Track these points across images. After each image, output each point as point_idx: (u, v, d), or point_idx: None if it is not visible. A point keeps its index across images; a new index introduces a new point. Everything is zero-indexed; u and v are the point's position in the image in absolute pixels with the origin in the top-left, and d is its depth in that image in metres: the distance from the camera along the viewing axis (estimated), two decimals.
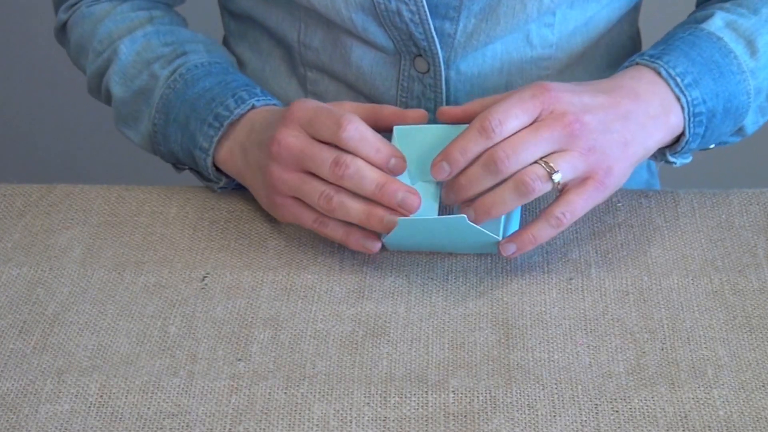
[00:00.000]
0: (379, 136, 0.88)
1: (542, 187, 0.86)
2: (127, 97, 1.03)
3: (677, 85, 0.93)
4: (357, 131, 0.87)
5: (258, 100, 0.96)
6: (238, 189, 1.00)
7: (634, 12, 1.10)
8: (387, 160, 0.88)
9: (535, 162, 0.87)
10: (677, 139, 0.95)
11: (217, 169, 0.99)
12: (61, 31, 1.11)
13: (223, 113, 0.96)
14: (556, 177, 0.86)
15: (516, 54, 1.03)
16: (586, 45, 1.06)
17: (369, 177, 0.87)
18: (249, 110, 0.96)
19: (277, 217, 0.94)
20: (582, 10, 1.03)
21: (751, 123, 1.00)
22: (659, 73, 0.93)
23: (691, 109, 0.93)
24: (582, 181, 0.88)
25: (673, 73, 0.93)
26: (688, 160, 0.99)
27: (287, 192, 0.91)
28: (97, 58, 1.06)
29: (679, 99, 0.93)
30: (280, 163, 0.90)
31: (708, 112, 0.94)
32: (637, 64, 0.95)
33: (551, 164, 0.86)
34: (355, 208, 0.88)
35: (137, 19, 1.05)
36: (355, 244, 0.91)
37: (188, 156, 1.00)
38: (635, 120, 0.91)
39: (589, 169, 0.88)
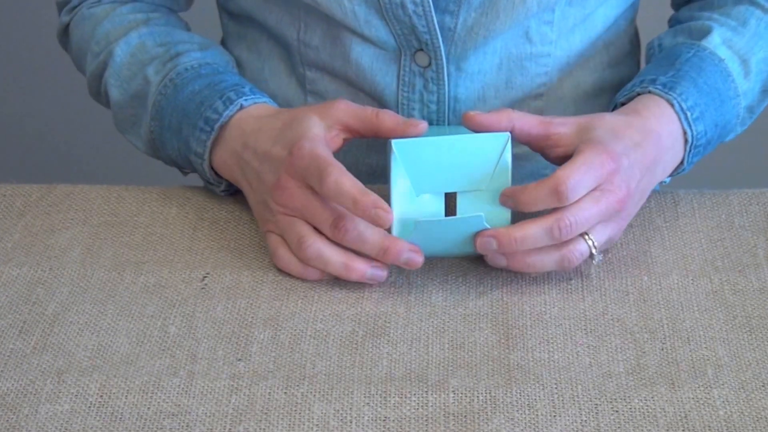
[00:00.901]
0: (359, 186, 0.87)
1: (580, 263, 0.90)
2: (125, 100, 1.04)
3: (687, 119, 0.95)
4: (335, 184, 0.87)
5: (246, 99, 0.96)
6: (240, 192, 1.00)
7: (632, 11, 1.11)
8: (367, 212, 0.86)
9: (582, 236, 0.89)
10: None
11: (216, 174, 0.99)
12: (64, 34, 1.11)
13: (212, 116, 0.96)
14: (597, 259, 0.90)
15: (515, 50, 1.03)
16: (585, 43, 1.06)
17: (370, 241, 0.88)
18: (238, 111, 0.96)
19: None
20: (581, 7, 1.03)
21: (732, 134, 1.02)
22: (672, 106, 0.95)
23: (694, 142, 0.95)
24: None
25: (684, 107, 0.95)
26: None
27: (277, 231, 0.92)
28: (95, 60, 1.06)
29: (685, 133, 0.95)
30: (279, 205, 0.91)
31: (706, 142, 0.96)
32: (650, 92, 0.95)
33: (596, 243, 0.89)
34: (333, 261, 0.89)
35: (134, 21, 1.05)
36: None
37: (186, 161, 1.00)
38: (654, 170, 0.93)
39: (614, 234, 0.91)
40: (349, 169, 0.89)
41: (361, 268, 0.89)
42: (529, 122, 0.92)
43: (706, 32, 1.00)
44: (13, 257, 0.95)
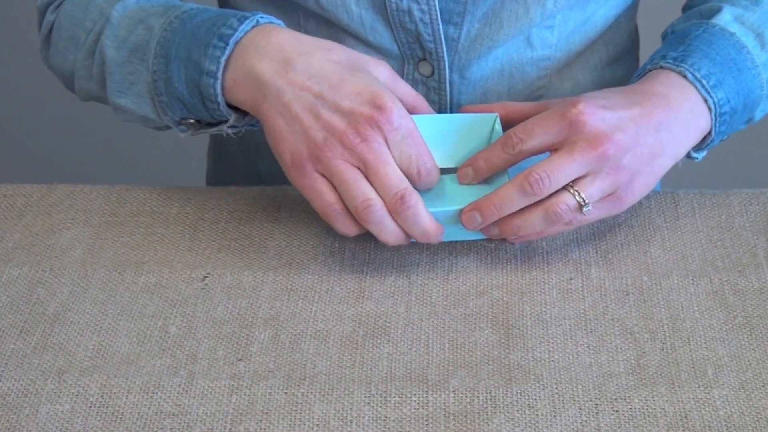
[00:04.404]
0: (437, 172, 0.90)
1: (572, 217, 0.89)
2: (122, 57, 0.98)
3: (704, 87, 0.94)
4: (428, 176, 0.89)
5: (262, 17, 0.92)
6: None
7: (633, 8, 1.11)
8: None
9: (566, 188, 0.88)
10: (702, 138, 0.96)
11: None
12: (48, 35, 1.06)
13: (227, 32, 0.91)
14: (586, 209, 0.89)
15: (516, 55, 1.03)
16: (585, 44, 1.06)
17: (423, 222, 0.88)
18: (254, 27, 0.91)
19: (289, 177, 0.90)
20: (581, 10, 1.03)
21: (759, 111, 1.01)
22: (685, 77, 0.94)
23: (718, 109, 0.94)
24: (602, 197, 0.90)
25: (698, 76, 0.94)
26: (706, 152, 0.99)
27: (325, 173, 0.88)
28: (89, 35, 1.01)
29: (706, 101, 0.94)
30: (345, 148, 0.87)
31: (731, 110, 0.95)
32: (661, 67, 0.95)
33: (583, 194, 0.88)
34: (392, 231, 0.88)
35: None
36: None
37: (194, 91, 0.93)
38: (667, 130, 0.91)
39: (614, 187, 0.89)
40: None
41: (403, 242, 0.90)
42: (524, 105, 0.93)
43: (715, 11, 1.00)
44: (14, 257, 0.95)
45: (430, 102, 1.04)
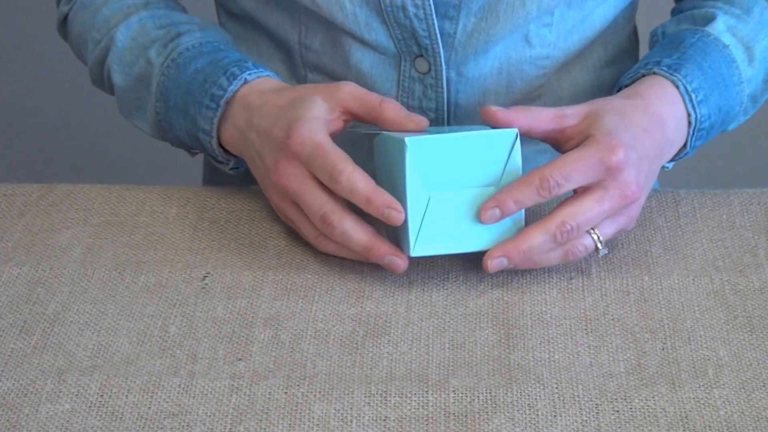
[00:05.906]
0: (372, 184, 0.88)
1: (586, 255, 0.90)
2: (128, 84, 1.03)
3: (691, 101, 0.95)
4: (348, 182, 0.87)
5: (250, 74, 0.96)
6: (243, 183, 1.00)
7: (631, 10, 1.11)
8: (379, 211, 0.87)
9: (586, 231, 0.89)
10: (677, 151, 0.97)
11: (225, 151, 0.99)
12: (63, 24, 1.11)
13: (218, 93, 0.96)
14: (602, 252, 0.90)
15: (515, 53, 1.03)
16: (584, 43, 1.06)
17: (355, 240, 0.89)
18: (242, 85, 0.96)
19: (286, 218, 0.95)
20: (579, 8, 1.03)
21: (734, 125, 1.02)
22: (678, 87, 0.94)
23: (697, 125, 0.95)
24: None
25: (689, 89, 0.94)
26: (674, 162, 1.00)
27: (284, 214, 0.93)
28: (96, 47, 1.06)
29: (689, 115, 0.94)
30: (278, 191, 0.92)
31: (709, 126, 0.96)
32: (654, 73, 0.95)
33: (601, 237, 0.89)
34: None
35: (133, 5, 1.04)
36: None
37: (195, 140, 1.00)
38: (661, 155, 0.93)
39: (626, 225, 0.91)
40: None
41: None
42: (544, 118, 0.92)
43: (710, 19, 1.00)
44: (14, 257, 0.95)
45: (428, 100, 1.03)
